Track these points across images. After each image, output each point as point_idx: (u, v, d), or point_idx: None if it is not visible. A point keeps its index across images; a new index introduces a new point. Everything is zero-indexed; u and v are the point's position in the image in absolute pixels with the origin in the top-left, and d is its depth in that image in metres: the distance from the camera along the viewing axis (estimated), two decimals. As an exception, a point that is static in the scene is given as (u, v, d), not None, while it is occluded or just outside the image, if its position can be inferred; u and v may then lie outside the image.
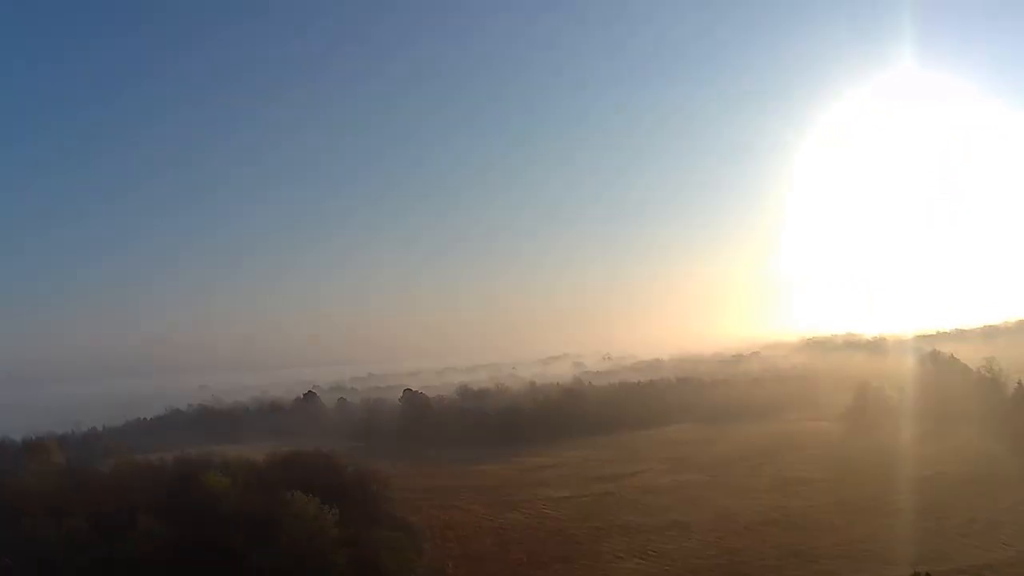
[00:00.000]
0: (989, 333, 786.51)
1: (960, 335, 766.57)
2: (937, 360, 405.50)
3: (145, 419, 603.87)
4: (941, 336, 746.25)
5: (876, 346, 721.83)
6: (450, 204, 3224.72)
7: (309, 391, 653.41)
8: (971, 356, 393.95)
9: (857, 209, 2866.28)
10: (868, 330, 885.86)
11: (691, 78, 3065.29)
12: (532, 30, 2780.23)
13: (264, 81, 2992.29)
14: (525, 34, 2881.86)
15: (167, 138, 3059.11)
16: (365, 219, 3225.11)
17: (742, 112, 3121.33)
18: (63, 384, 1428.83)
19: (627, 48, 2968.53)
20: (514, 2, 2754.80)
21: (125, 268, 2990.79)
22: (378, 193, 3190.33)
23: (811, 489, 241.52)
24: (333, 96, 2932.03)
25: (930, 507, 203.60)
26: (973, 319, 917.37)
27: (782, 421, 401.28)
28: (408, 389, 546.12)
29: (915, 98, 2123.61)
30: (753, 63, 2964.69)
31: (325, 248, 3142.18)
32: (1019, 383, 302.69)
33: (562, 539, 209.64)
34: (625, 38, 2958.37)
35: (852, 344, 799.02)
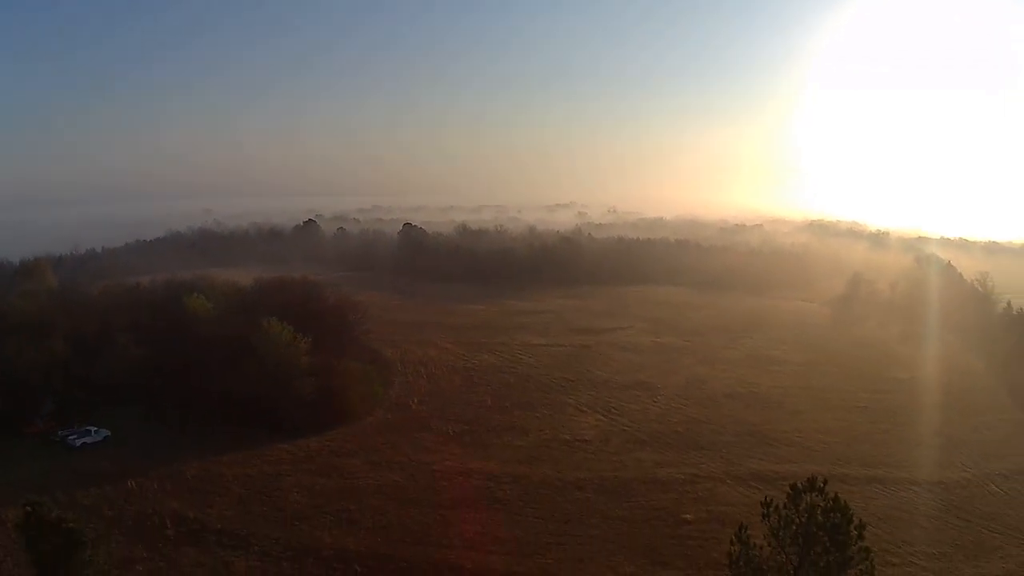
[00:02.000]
0: (992, 249, 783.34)
1: (964, 245, 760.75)
2: (934, 264, 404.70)
3: (145, 241, 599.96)
4: (944, 242, 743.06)
5: (878, 239, 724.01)
6: (473, 46, 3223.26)
7: (310, 219, 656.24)
8: (969, 267, 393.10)
9: (888, 98, 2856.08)
10: (874, 222, 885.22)
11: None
12: None
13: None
14: None
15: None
16: (390, 57, 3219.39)
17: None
18: (69, 207, 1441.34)
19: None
20: None
21: (138, 93, 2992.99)
22: (396, 29, 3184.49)
23: (783, 370, 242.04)
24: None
25: (896, 411, 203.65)
26: (981, 232, 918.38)
27: (771, 297, 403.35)
28: (408, 223, 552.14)
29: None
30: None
31: (348, 82, 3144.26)
32: (1008, 303, 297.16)
33: (529, 386, 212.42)
34: None
35: (855, 233, 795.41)
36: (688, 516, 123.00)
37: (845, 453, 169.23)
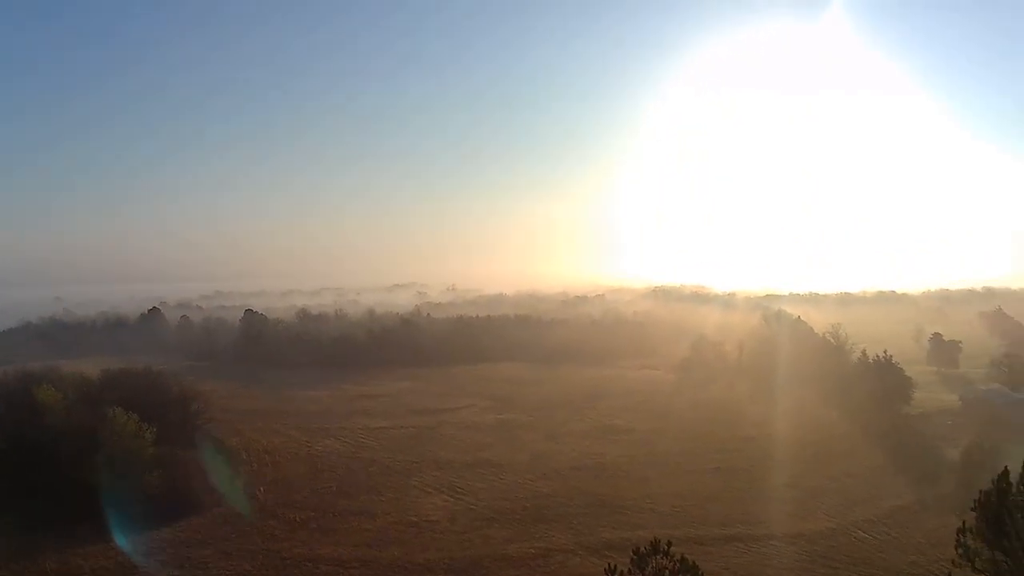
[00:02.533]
0: (844, 300, 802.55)
1: (815, 299, 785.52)
2: (782, 320, 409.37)
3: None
4: (794, 298, 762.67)
5: (724, 301, 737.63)
6: (311, 128, 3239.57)
7: (153, 307, 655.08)
8: (821, 321, 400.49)
9: (725, 164, 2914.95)
10: (719, 285, 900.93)
11: (543, 21, 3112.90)
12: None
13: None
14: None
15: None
16: (230, 140, 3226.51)
17: (597, 53, 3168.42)
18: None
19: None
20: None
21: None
22: (237, 114, 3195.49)
23: (630, 438, 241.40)
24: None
25: (749, 469, 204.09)
26: (829, 286, 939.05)
27: (615, 367, 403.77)
28: (249, 310, 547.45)
29: (787, 54, 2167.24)
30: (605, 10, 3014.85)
31: (193, 168, 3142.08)
32: (863, 353, 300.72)
33: (374, 470, 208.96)
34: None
35: (700, 296, 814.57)
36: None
37: (699, 515, 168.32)
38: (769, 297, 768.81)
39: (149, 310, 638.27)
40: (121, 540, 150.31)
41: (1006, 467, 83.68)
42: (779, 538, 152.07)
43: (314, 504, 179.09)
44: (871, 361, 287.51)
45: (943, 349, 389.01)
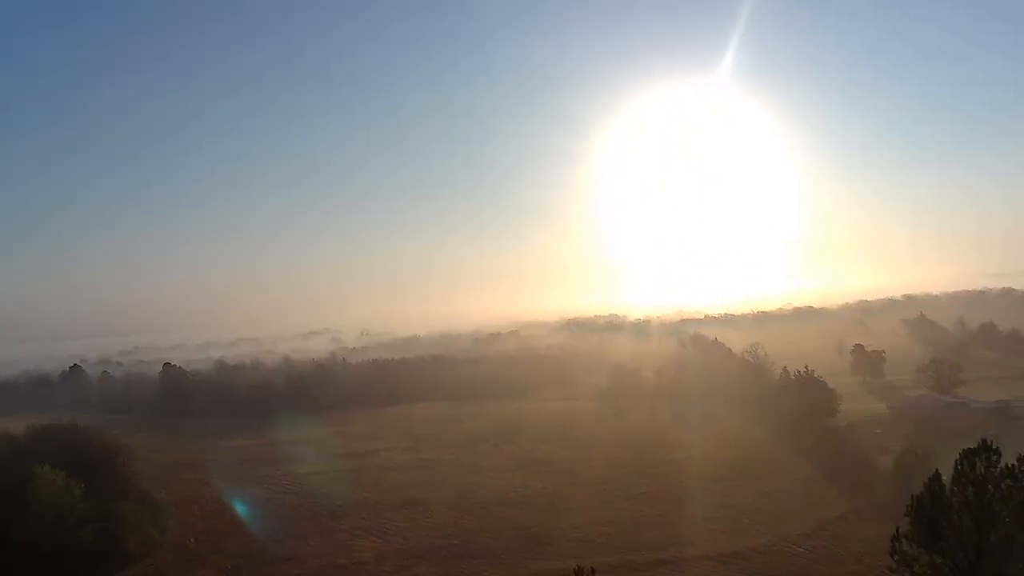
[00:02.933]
0: (760, 319, 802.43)
1: (730, 320, 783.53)
2: (700, 343, 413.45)
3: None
4: (710, 320, 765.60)
5: (639, 328, 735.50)
6: (218, 177, 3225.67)
7: (75, 365, 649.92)
8: (739, 340, 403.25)
9: (630, 194, 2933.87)
10: (632, 313, 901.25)
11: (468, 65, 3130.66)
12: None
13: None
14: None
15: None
16: (143, 194, 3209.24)
17: (508, 95, 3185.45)
18: None
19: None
20: None
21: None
22: (144, 168, 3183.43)
23: (553, 470, 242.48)
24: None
25: (677, 492, 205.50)
26: (744, 305, 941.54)
27: (533, 400, 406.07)
28: (168, 364, 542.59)
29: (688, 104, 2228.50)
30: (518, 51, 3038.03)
31: (105, 223, 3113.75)
32: (784, 369, 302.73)
33: (301, 515, 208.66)
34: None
35: (614, 325, 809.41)
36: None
37: (630, 540, 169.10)
38: (684, 321, 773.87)
39: (71, 367, 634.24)
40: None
41: (936, 470, 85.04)
42: (713, 558, 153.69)
43: (243, 551, 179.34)
44: (792, 377, 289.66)
45: (866, 360, 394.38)
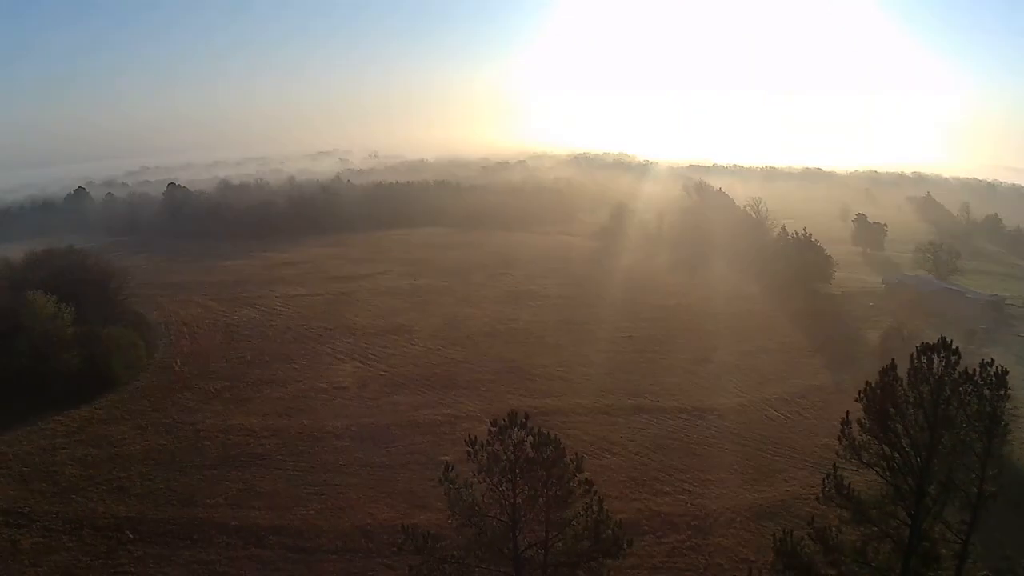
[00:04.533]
0: (769, 174, 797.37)
1: (739, 171, 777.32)
2: (703, 191, 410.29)
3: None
4: (718, 170, 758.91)
5: (646, 169, 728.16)
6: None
7: (79, 188, 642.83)
8: (744, 194, 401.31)
9: (653, 37, 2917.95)
10: (643, 154, 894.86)
11: None
12: None
13: None
14: None
15: None
16: (151, 16, 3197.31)
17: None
18: None
19: None
20: None
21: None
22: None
23: (543, 304, 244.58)
24: None
25: (663, 340, 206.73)
26: (755, 159, 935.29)
27: (533, 233, 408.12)
28: (172, 184, 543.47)
29: None
30: None
31: (108, 44, 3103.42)
32: (783, 228, 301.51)
33: (287, 337, 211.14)
34: None
35: (623, 164, 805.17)
36: (447, 457, 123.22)
37: (608, 384, 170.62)
38: (693, 167, 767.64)
39: (75, 190, 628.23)
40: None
41: (892, 360, 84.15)
42: (688, 412, 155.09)
43: (228, 374, 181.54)
44: (790, 237, 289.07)
45: (868, 230, 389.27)
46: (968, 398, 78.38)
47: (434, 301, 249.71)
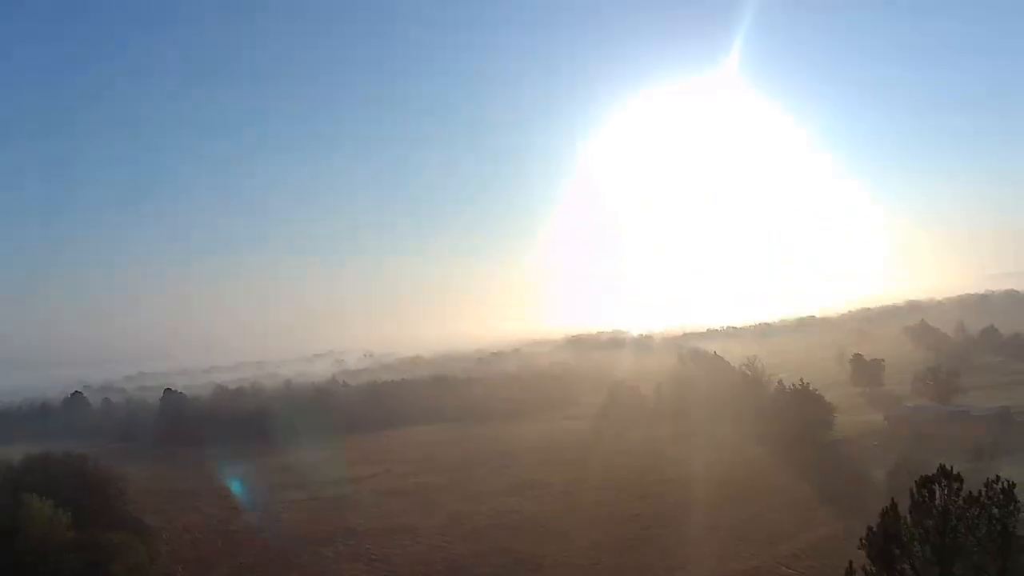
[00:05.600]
0: (763, 331, 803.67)
1: (733, 333, 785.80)
2: (699, 357, 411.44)
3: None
4: (712, 334, 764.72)
5: (641, 344, 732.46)
6: (218, 200, 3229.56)
7: (76, 392, 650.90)
8: (740, 354, 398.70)
9: (634, 208, 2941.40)
10: (635, 328, 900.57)
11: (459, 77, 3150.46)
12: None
13: None
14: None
15: None
16: (150, 215, 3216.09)
17: (507, 113, 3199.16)
18: None
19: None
20: None
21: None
22: (139, 193, 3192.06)
23: (548, 493, 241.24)
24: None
25: (670, 513, 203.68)
26: (748, 317, 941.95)
27: (534, 420, 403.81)
28: (168, 389, 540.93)
29: (696, 105, 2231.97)
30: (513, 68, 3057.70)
31: (109, 245, 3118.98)
32: (779, 382, 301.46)
33: (290, 542, 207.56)
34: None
35: (617, 342, 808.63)
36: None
37: (617, 564, 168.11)
38: (687, 335, 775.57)
39: (72, 394, 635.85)
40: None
41: (892, 500, 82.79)
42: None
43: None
44: (787, 390, 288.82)
45: (865, 368, 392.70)
46: (976, 522, 77.30)
47: (436, 499, 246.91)
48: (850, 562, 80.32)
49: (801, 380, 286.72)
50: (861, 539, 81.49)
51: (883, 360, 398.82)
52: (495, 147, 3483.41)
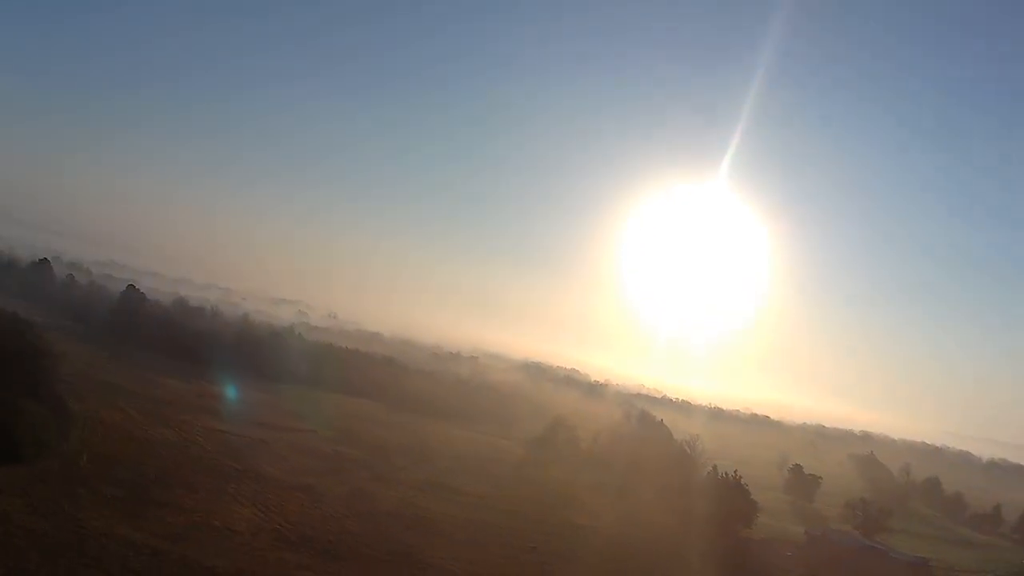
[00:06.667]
0: (716, 415, 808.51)
1: (685, 407, 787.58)
2: (644, 420, 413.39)
3: None
4: (666, 402, 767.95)
5: (595, 390, 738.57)
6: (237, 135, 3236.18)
7: (44, 259, 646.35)
8: (686, 428, 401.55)
9: (621, 268, 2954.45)
10: (594, 374, 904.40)
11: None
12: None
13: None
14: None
15: None
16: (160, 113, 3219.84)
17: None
18: None
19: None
20: None
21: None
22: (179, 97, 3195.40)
23: (459, 499, 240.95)
24: None
25: (565, 554, 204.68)
26: (705, 398, 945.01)
27: (469, 429, 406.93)
28: (131, 285, 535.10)
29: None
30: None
31: (129, 135, 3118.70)
32: (714, 467, 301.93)
33: (197, 467, 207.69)
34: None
35: (573, 380, 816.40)
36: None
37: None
38: (641, 396, 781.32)
39: (40, 260, 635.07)
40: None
41: None
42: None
43: (129, 484, 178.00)
44: (719, 477, 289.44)
45: (802, 481, 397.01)
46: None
47: (349, 471, 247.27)
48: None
49: (735, 472, 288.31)
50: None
51: (821, 478, 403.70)
52: (509, 161, 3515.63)
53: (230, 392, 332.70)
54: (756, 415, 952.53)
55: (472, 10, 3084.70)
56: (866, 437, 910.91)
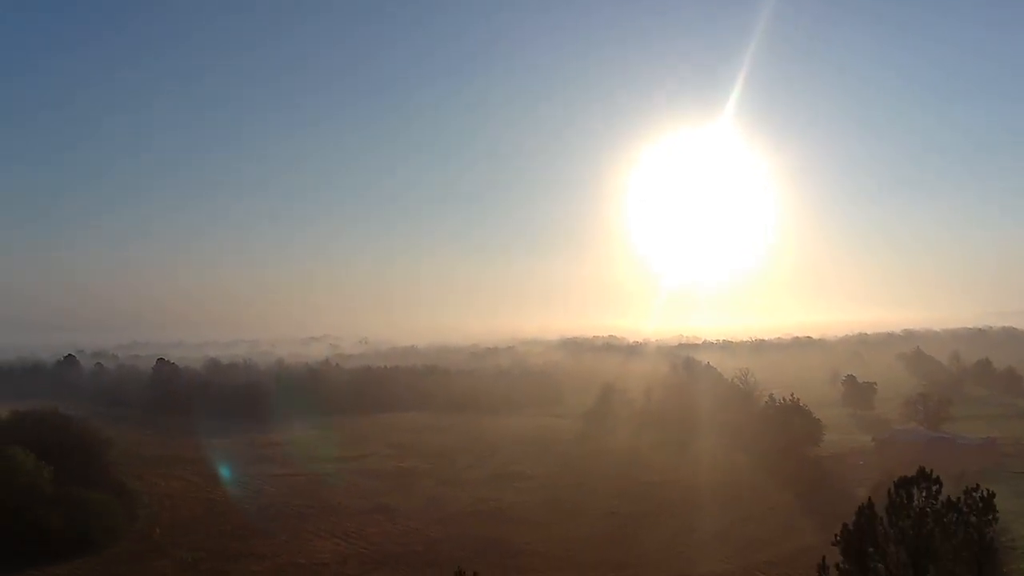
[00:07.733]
0: (758, 347, 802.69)
1: (727, 346, 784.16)
2: (691, 368, 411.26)
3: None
4: (707, 346, 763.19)
5: (636, 350, 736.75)
6: (232, 181, 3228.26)
7: (69, 355, 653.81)
8: (733, 367, 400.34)
9: (640, 225, 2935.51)
10: (632, 335, 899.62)
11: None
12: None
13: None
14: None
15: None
16: (153, 193, 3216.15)
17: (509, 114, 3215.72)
18: None
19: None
20: None
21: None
22: (160, 163, 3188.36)
23: (529, 484, 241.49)
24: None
25: (648, 514, 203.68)
26: (745, 333, 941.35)
27: (520, 416, 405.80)
28: (161, 359, 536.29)
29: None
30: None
31: (125, 213, 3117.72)
32: (770, 396, 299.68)
33: (270, 514, 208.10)
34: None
35: (612, 347, 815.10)
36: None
37: (591, 558, 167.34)
38: (682, 346, 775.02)
39: (65, 357, 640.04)
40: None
41: (869, 498, 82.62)
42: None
43: (207, 546, 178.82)
44: (777, 405, 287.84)
45: (858, 391, 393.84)
46: (954, 527, 76.46)
47: (417, 483, 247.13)
48: (823, 557, 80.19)
49: (792, 395, 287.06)
50: (835, 535, 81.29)
51: (875, 383, 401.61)
52: (509, 150, 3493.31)
53: (281, 437, 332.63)
54: (798, 338, 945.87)
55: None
56: (909, 335, 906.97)
